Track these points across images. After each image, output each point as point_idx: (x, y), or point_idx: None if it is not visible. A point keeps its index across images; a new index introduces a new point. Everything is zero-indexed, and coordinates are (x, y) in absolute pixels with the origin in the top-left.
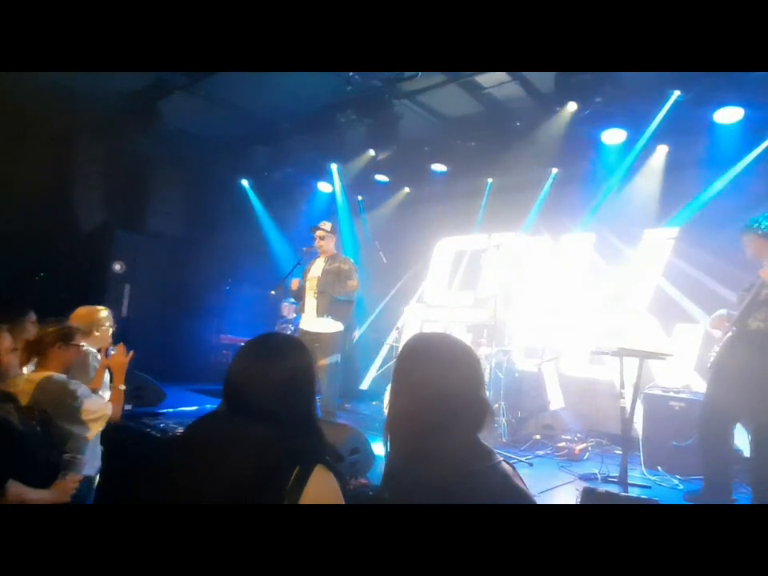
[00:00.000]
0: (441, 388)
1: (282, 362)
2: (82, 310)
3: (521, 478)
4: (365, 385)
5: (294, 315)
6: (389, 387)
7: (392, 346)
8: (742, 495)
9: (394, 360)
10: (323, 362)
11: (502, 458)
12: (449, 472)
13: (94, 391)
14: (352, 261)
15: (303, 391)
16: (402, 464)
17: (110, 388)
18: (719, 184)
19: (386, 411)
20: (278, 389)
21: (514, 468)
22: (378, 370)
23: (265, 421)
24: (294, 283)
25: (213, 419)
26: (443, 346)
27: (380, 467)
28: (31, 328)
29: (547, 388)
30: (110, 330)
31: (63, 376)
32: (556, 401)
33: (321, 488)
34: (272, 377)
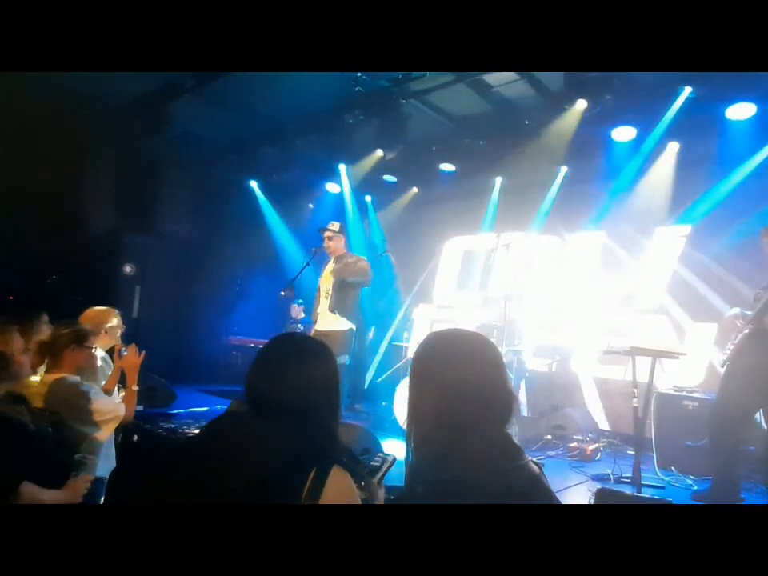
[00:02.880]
0: (466, 384)
1: (307, 362)
2: (91, 312)
3: (546, 479)
4: (374, 385)
5: (303, 316)
6: (399, 387)
7: (402, 347)
8: (757, 495)
9: (411, 358)
10: None
11: (530, 458)
12: (479, 470)
13: (108, 392)
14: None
15: (327, 392)
16: (428, 464)
17: (119, 389)
18: (731, 181)
19: (396, 410)
20: (301, 388)
21: (541, 468)
22: (388, 371)
23: (283, 420)
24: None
25: (230, 418)
26: (464, 341)
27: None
28: (45, 329)
29: (558, 388)
30: (119, 331)
31: (76, 377)
32: (567, 400)
33: (338, 489)
34: (295, 376)
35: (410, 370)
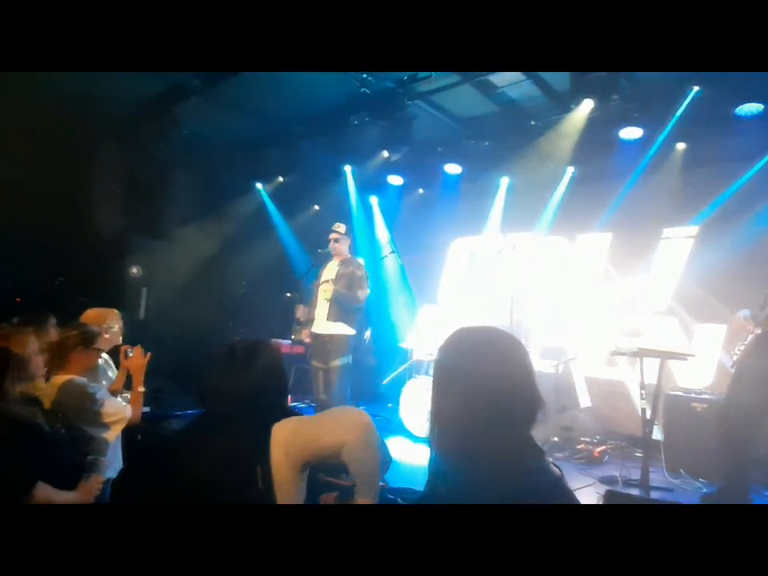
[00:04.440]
0: (494, 383)
1: (244, 367)
2: (91, 312)
3: (567, 482)
4: (380, 387)
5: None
6: (404, 389)
7: (407, 349)
8: (766, 497)
9: (437, 354)
10: (335, 363)
11: (551, 460)
12: (502, 471)
13: (115, 393)
14: (364, 267)
15: (268, 390)
16: (451, 464)
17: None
18: (739, 182)
19: (402, 412)
20: (242, 391)
21: (561, 471)
22: (393, 372)
23: (236, 419)
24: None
25: (198, 422)
26: (494, 340)
27: (397, 468)
28: (52, 331)
29: (565, 389)
30: (120, 332)
31: (83, 379)
32: (574, 402)
33: (284, 431)
34: (236, 382)
35: (434, 366)
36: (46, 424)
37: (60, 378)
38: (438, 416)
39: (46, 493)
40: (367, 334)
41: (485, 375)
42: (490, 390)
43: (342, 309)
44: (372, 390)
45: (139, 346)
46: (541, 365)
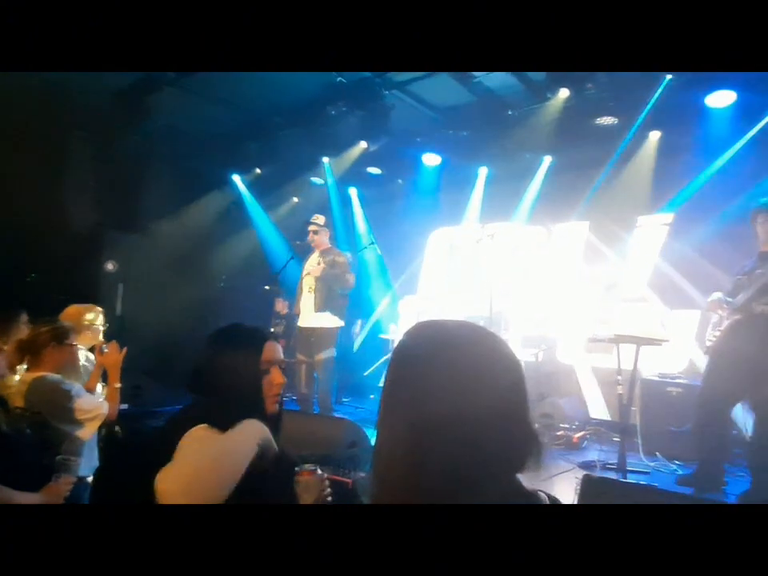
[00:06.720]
0: (462, 408)
1: (220, 350)
2: (71, 309)
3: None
4: (362, 378)
5: (287, 311)
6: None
7: (389, 340)
8: (741, 479)
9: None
10: (319, 356)
11: (545, 497)
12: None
13: (90, 390)
14: (347, 254)
15: (232, 380)
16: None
17: (103, 387)
18: (712, 169)
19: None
20: (215, 375)
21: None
22: (374, 364)
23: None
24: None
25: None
26: (469, 344)
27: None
28: (23, 329)
29: (545, 377)
30: (101, 329)
31: (57, 376)
32: (554, 389)
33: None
34: (212, 364)
35: (391, 358)
36: (9, 423)
37: (31, 375)
38: (381, 446)
39: (7, 495)
40: (357, 325)
41: (448, 395)
42: (453, 418)
43: (327, 299)
44: (354, 381)
45: (114, 341)
46: (521, 353)
